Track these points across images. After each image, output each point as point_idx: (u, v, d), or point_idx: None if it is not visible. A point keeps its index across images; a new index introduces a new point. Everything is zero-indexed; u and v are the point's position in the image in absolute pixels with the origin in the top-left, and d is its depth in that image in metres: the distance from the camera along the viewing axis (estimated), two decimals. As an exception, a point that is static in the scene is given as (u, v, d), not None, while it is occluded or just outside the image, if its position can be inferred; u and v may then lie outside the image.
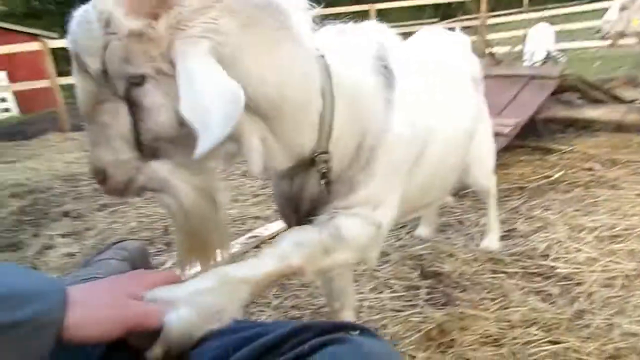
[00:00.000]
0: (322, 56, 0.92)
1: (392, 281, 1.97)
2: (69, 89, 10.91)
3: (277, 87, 0.80)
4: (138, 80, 0.72)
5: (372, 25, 1.15)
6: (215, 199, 0.84)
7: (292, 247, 0.85)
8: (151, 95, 0.73)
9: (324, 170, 0.95)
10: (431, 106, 1.23)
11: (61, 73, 7.81)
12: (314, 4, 0.90)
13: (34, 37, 10.58)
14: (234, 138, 0.80)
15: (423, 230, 2.31)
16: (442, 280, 1.94)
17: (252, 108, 0.80)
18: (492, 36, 10.21)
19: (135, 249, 1.04)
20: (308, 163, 0.94)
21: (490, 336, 1.56)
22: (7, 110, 10.17)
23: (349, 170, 1.00)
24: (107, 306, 0.63)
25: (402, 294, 1.88)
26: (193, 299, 0.69)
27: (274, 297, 1.96)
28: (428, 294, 1.86)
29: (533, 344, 1.49)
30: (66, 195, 3.70)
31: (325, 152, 0.93)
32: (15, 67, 10.17)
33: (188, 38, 0.70)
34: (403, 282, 1.96)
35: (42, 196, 3.70)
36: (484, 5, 10.44)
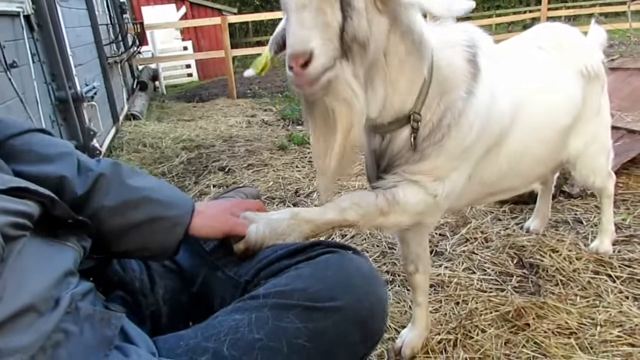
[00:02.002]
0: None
1: (487, 265, 2.06)
2: (239, 59, 12.21)
3: (410, 45, 1.06)
4: None
5: (468, 25, 1.30)
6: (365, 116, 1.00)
7: (350, 205, 1.09)
8: (360, 1, 0.91)
9: (416, 128, 1.15)
10: (514, 96, 1.33)
11: (234, 45, 8.82)
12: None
13: (218, 11, 11.95)
14: (370, 78, 1.03)
15: (533, 223, 2.31)
16: (537, 272, 1.97)
17: (389, 61, 1.04)
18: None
19: (251, 193, 1.37)
20: (403, 121, 1.15)
21: (569, 329, 1.59)
22: (190, 75, 11.67)
23: (426, 140, 1.18)
24: (215, 218, 0.96)
25: (493, 277, 1.97)
26: (270, 223, 0.98)
27: (374, 260, 2.19)
28: (519, 282, 1.92)
29: (610, 343, 1.50)
30: (223, 153, 4.32)
31: (419, 114, 1.14)
32: (199, 38, 11.65)
33: None
34: (497, 267, 2.03)
35: (205, 151, 4.39)
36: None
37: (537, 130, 1.49)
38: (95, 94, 3.86)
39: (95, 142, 3.61)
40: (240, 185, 3.03)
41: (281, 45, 1.08)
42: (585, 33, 1.89)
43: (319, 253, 0.84)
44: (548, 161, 1.67)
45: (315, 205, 2.96)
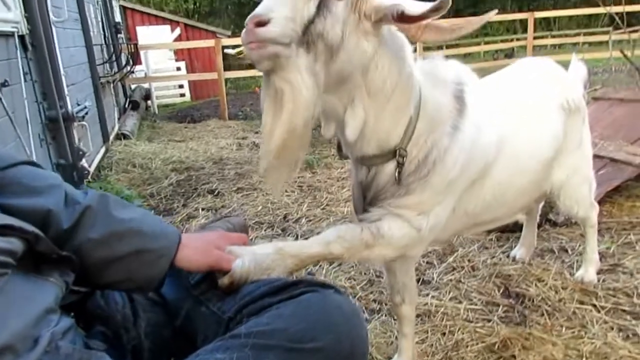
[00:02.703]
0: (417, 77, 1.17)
1: (474, 294, 2.06)
2: (232, 81, 12.30)
3: (396, 78, 1.08)
4: None
5: (455, 62, 1.33)
6: (314, 115, 0.98)
7: (336, 239, 1.09)
8: (341, 10, 0.96)
9: (401, 163, 1.16)
10: (499, 129, 1.37)
11: (227, 67, 8.89)
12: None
13: (212, 34, 12.08)
14: (350, 97, 1.06)
15: (519, 252, 2.33)
16: (523, 301, 1.98)
17: (372, 87, 1.06)
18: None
19: (238, 223, 1.37)
20: (389, 155, 1.17)
21: (554, 360, 1.60)
22: (182, 95, 11.71)
23: (411, 175, 1.20)
24: (201, 251, 0.97)
25: (479, 307, 1.97)
26: (254, 257, 0.99)
27: (361, 289, 2.19)
28: (505, 312, 1.93)
29: (594, 377, 1.51)
30: (213, 175, 4.32)
31: (404, 150, 1.16)
32: (193, 59, 11.74)
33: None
34: (484, 297, 2.04)
35: (195, 174, 4.39)
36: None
37: (520, 163, 1.52)
38: (86, 113, 3.87)
39: (84, 162, 3.59)
40: (228, 214, 3.02)
41: None
42: (569, 62, 1.95)
43: (301, 292, 0.85)
44: (532, 192, 1.70)
45: (303, 231, 2.96)
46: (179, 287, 1.02)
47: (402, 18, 0.96)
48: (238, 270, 0.95)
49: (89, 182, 3.55)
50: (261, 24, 0.88)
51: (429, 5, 0.92)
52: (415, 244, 1.27)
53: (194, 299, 0.97)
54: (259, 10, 0.89)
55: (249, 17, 0.89)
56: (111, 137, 5.56)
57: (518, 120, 1.47)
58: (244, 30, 0.90)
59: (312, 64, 0.94)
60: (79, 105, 3.87)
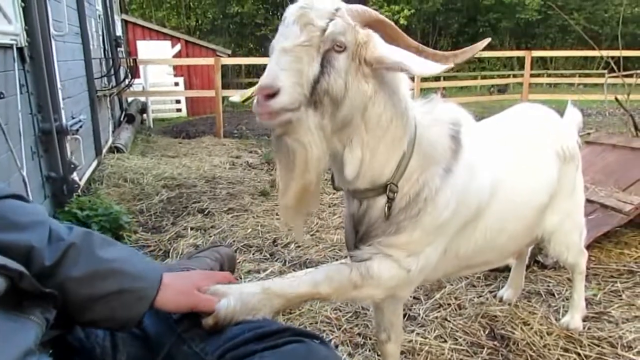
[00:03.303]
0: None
1: (459, 334, 2.05)
2: (227, 100, 12.38)
3: (392, 112, 1.12)
4: (341, 48, 0.99)
5: (452, 104, 1.35)
6: (325, 167, 1.05)
7: (324, 279, 1.09)
8: (342, 62, 1.00)
9: (391, 198, 1.17)
10: (493, 173, 1.38)
11: (225, 84, 8.96)
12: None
13: (212, 51, 12.18)
14: (349, 138, 1.09)
15: (506, 293, 2.32)
16: (508, 344, 1.97)
17: (369, 123, 1.09)
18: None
19: (226, 254, 1.36)
20: (380, 189, 1.18)
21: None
22: (179, 110, 11.73)
23: (402, 213, 1.20)
24: (182, 293, 0.96)
25: (464, 348, 1.96)
26: (240, 297, 0.97)
27: (346, 320, 2.16)
28: (489, 354, 1.91)
29: None
30: (205, 194, 4.30)
31: (396, 186, 1.17)
32: (191, 75, 11.81)
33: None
34: (469, 337, 2.03)
35: (186, 191, 4.36)
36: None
37: (514, 207, 1.53)
38: (80, 127, 3.85)
39: (74, 176, 3.57)
40: (216, 242, 2.99)
41: None
42: (565, 101, 1.98)
43: (286, 341, 0.84)
44: (524, 237, 1.70)
45: (292, 257, 2.94)
46: (162, 321, 1.00)
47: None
48: (223, 310, 0.94)
49: (78, 195, 3.52)
50: (271, 95, 0.91)
51: (439, 67, 1.04)
52: (405, 285, 1.28)
53: (176, 336, 0.96)
54: (266, 81, 0.91)
55: (257, 87, 0.92)
56: (104, 150, 5.54)
57: (513, 166, 1.49)
58: (255, 101, 0.93)
59: (320, 120, 0.98)
60: (73, 118, 3.86)
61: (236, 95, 1.36)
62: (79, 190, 3.69)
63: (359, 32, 1.03)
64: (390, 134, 1.14)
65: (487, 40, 1.20)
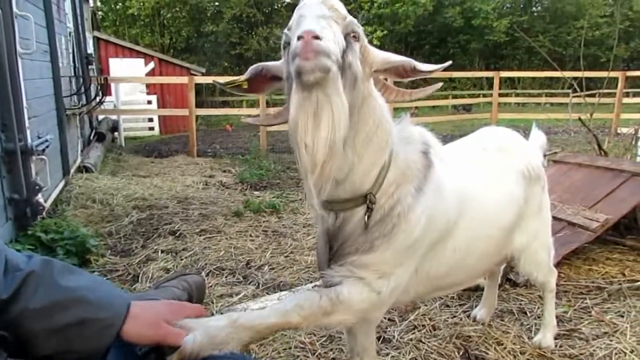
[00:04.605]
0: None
1: (434, 355, 2.04)
2: (202, 117, 12.30)
3: (380, 117, 1.17)
4: (356, 38, 1.06)
5: (419, 127, 1.37)
6: (344, 134, 1.03)
7: (294, 308, 1.07)
8: (356, 46, 1.05)
9: (371, 208, 1.18)
10: (461, 194, 1.41)
11: (200, 103, 8.91)
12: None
13: (186, 70, 12.13)
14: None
15: (479, 313, 2.33)
16: (482, 365, 1.96)
17: (360, 125, 1.13)
18: (628, 116, 9.63)
19: (195, 282, 1.32)
20: (359, 200, 1.19)
21: None
22: (151, 129, 11.59)
23: (376, 229, 1.20)
24: (149, 325, 0.91)
25: (439, 370, 1.94)
26: (207, 331, 0.94)
27: (321, 345, 2.13)
28: (464, 376, 1.91)
29: None
30: (176, 215, 4.22)
31: (374, 196, 1.19)
32: (165, 94, 11.70)
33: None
34: (444, 359, 2.01)
35: (157, 212, 4.27)
36: (620, 83, 9.84)
37: (482, 227, 1.55)
38: (47, 147, 3.75)
39: (39, 197, 3.45)
40: (184, 270, 2.92)
41: (259, 76, 1.22)
42: (531, 120, 2.02)
43: None
44: (493, 256, 1.72)
45: (265, 279, 2.89)
46: (126, 356, 0.96)
47: (407, 73, 1.15)
48: (189, 346, 0.91)
49: (43, 218, 3.40)
50: (317, 38, 0.92)
51: (437, 66, 1.16)
52: (375, 308, 1.27)
53: (140, 372, 0.91)
54: (311, 26, 0.93)
55: (301, 31, 0.92)
56: (72, 170, 5.39)
57: (481, 186, 1.51)
58: (297, 43, 0.92)
59: (343, 88, 1.00)
60: (40, 138, 3.75)
61: (220, 80, 1.38)
62: (44, 213, 3.57)
63: (364, 37, 1.11)
64: (376, 141, 1.17)
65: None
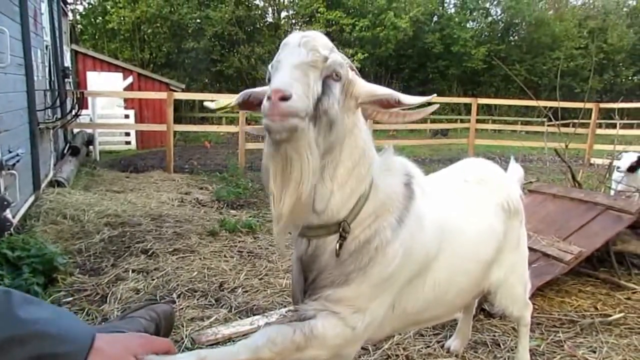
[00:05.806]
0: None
1: (407, 388, 2.01)
2: (180, 133, 12.18)
3: (362, 147, 1.19)
4: (338, 78, 1.08)
5: (402, 158, 1.37)
6: (314, 183, 1.06)
7: (265, 343, 1.04)
8: (337, 90, 1.08)
9: (344, 237, 1.17)
10: (441, 227, 1.40)
11: (178, 118, 8.83)
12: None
13: (165, 85, 12.04)
14: (321, 170, 1.11)
15: (453, 343, 2.31)
16: (455, 399, 1.94)
17: (343, 156, 1.14)
18: (601, 147, 9.88)
19: (163, 312, 1.27)
20: (333, 228, 1.17)
21: None
22: (128, 143, 11.41)
23: (352, 261, 1.19)
24: (115, 358, 0.86)
25: (412, 403, 1.91)
26: None
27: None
28: (437, 410, 1.88)
29: None
30: (149, 233, 4.12)
31: (349, 226, 1.17)
32: (143, 108, 11.57)
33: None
34: (417, 391, 1.99)
35: (129, 230, 4.17)
36: (594, 115, 10.13)
37: (461, 262, 1.54)
38: (17, 161, 3.64)
39: (7, 213, 3.33)
40: (153, 298, 2.84)
41: (247, 102, 1.24)
42: (507, 147, 2.04)
43: None
44: (472, 291, 1.71)
45: (238, 302, 2.83)
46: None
47: (392, 105, 1.17)
48: None
49: (10, 234, 3.28)
50: (284, 98, 0.94)
51: (422, 98, 1.19)
52: (350, 344, 1.24)
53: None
54: (280, 84, 0.96)
55: (271, 89, 0.95)
56: (43, 185, 5.24)
57: (461, 219, 1.51)
58: (266, 104, 0.95)
59: (317, 136, 1.03)
60: (10, 152, 3.64)
61: (212, 103, 1.42)
62: (12, 229, 3.44)
63: (349, 70, 1.14)
64: (358, 170, 1.17)
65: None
